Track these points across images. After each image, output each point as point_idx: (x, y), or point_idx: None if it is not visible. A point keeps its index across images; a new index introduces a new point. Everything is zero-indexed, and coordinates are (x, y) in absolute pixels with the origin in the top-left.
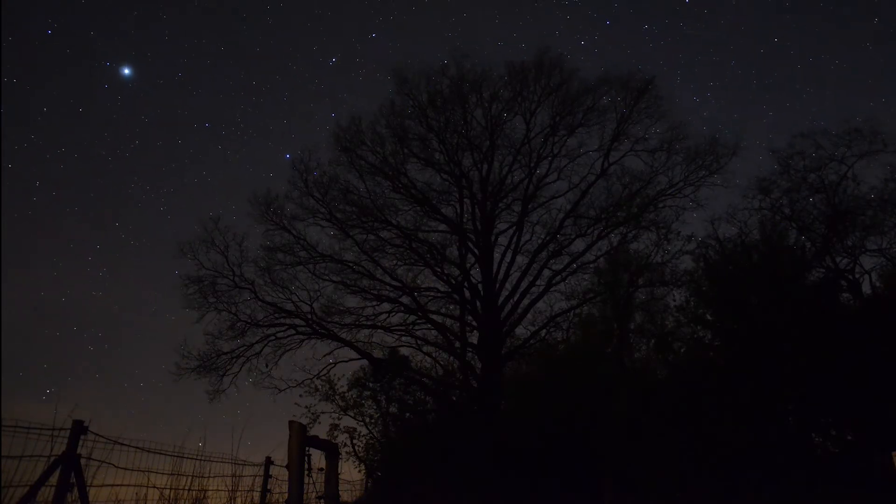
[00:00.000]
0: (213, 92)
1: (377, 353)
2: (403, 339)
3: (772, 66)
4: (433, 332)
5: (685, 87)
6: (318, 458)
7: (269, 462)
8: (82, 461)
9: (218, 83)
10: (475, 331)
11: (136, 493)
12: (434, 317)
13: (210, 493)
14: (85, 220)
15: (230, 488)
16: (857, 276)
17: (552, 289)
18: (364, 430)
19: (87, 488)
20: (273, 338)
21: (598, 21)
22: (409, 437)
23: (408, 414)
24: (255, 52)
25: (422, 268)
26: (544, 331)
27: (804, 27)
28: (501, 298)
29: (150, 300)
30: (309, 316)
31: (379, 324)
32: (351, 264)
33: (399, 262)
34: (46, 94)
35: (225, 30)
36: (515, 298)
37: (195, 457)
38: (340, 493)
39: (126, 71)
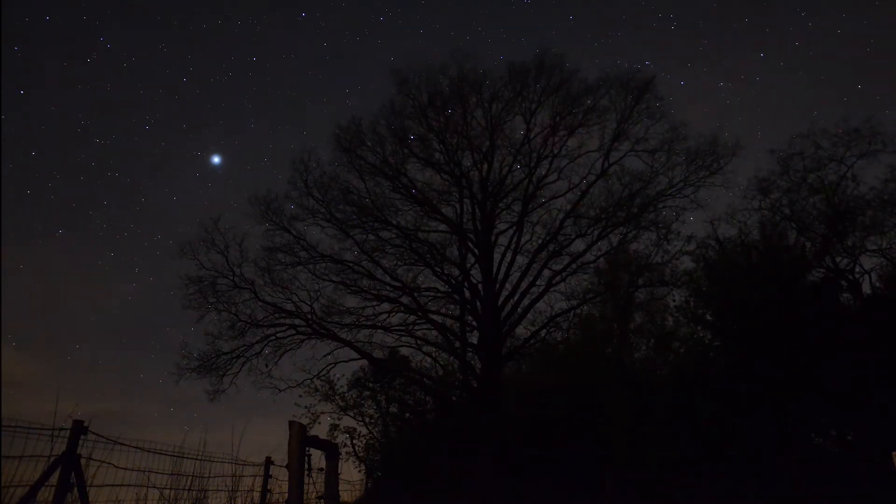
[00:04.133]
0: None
1: (377, 353)
2: (403, 339)
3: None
4: (433, 332)
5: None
6: (318, 458)
7: (269, 462)
8: (82, 461)
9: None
10: (475, 331)
11: (136, 493)
12: (434, 317)
13: (210, 493)
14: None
15: (230, 488)
16: (857, 276)
17: (552, 289)
18: (364, 430)
19: (87, 488)
20: (273, 338)
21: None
22: (409, 437)
23: (408, 414)
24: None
25: (422, 268)
26: (544, 331)
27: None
28: (501, 298)
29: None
30: (309, 316)
31: (379, 324)
32: (351, 264)
33: (399, 262)
34: (145, 184)
35: (310, 117)
36: (515, 298)
37: (195, 457)
38: (340, 493)
39: (215, 159)
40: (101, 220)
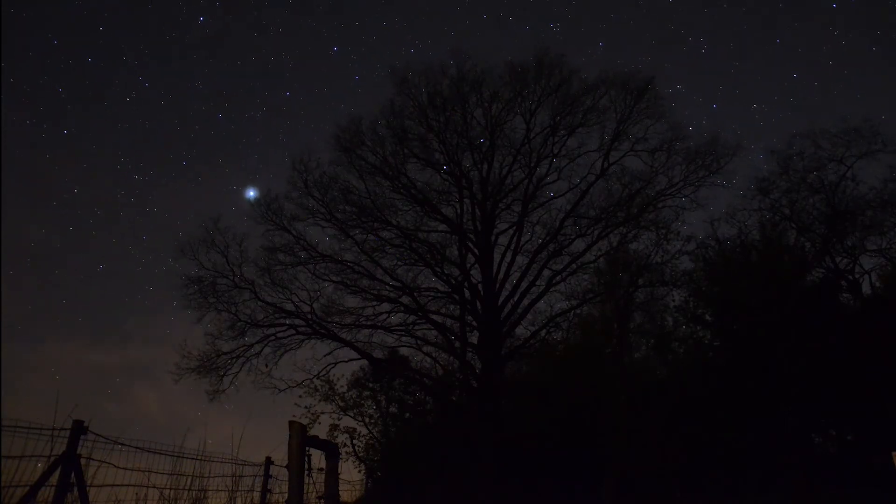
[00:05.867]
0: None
1: (377, 353)
2: (403, 339)
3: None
4: (433, 332)
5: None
6: (318, 458)
7: (269, 462)
8: (82, 461)
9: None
10: (475, 331)
11: (136, 493)
12: (434, 317)
13: (210, 493)
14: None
15: (230, 488)
16: (857, 276)
17: (552, 289)
18: (364, 430)
19: (87, 488)
20: (273, 338)
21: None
22: (409, 437)
23: (408, 414)
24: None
25: (422, 268)
26: (544, 331)
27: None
28: (501, 298)
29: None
30: (309, 316)
31: (379, 324)
32: (351, 264)
33: (399, 262)
34: (183, 219)
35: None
36: (515, 298)
37: (195, 457)
38: (340, 493)
39: (251, 193)
40: (141, 256)
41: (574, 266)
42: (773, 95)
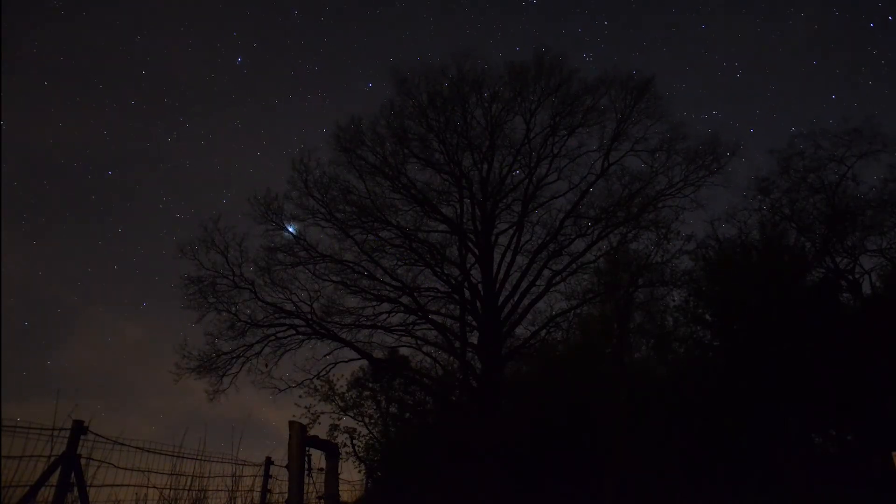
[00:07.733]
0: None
1: (377, 353)
2: (403, 339)
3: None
4: (433, 332)
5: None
6: (318, 458)
7: (269, 462)
8: (82, 461)
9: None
10: (475, 331)
11: (136, 493)
12: (434, 317)
13: (210, 493)
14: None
15: (230, 488)
16: (857, 276)
17: (552, 289)
18: (364, 431)
19: (87, 488)
20: (273, 338)
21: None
22: (409, 437)
23: (408, 414)
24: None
25: (422, 268)
26: (544, 331)
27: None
28: (501, 298)
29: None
30: (309, 316)
31: (379, 324)
32: (351, 264)
33: (399, 262)
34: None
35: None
36: (515, 298)
37: (195, 457)
38: (340, 493)
39: (290, 228)
40: (182, 292)
41: (574, 266)
42: (812, 118)
